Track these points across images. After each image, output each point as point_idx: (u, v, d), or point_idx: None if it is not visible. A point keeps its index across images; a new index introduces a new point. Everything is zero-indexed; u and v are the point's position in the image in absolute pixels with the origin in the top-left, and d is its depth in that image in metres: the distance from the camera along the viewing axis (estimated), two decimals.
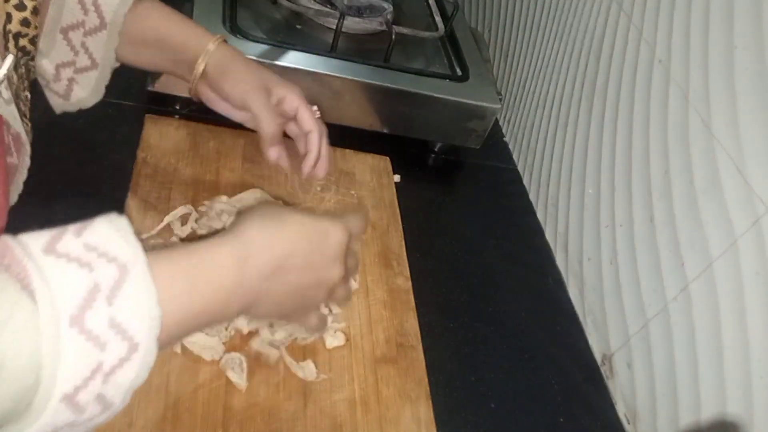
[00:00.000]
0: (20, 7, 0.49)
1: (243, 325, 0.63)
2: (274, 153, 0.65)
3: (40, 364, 0.32)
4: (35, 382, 0.32)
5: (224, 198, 0.73)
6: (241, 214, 0.47)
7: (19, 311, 0.32)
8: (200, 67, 0.62)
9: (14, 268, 0.33)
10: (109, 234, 0.36)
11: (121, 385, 0.35)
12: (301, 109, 0.65)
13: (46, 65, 0.60)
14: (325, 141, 0.67)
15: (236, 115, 0.65)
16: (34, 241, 0.35)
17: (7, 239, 0.34)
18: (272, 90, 0.64)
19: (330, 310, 0.67)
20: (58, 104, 0.63)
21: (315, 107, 0.68)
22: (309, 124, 0.65)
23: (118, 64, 0.63)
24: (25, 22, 0.49)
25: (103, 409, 0.35)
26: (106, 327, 0.34)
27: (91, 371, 0.34)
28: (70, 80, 0.61)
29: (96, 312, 0.34)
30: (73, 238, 0.35)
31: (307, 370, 0.62)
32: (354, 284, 0.70)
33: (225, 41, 0.63)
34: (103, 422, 0.36)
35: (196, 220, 0.70)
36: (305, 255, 0.47)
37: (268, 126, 0.63)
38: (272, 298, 0.46)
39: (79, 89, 0.62)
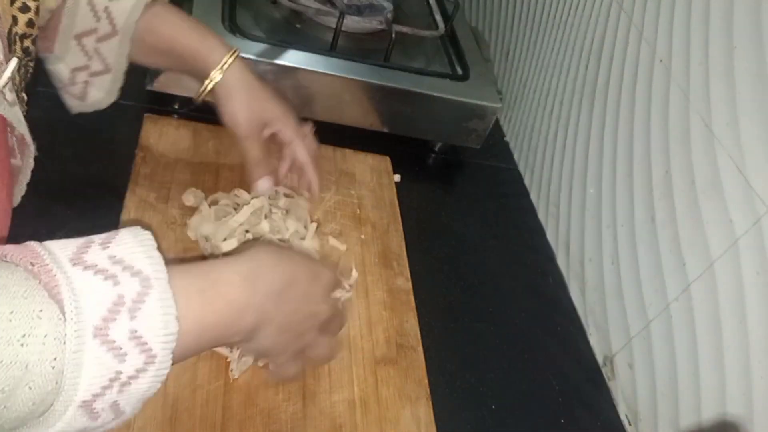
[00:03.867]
0: (24, 9, 0.49)
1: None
2: (265, 184, 0.69)
3: (63, 372, 0.33)
4: (55, 388, 0.33)
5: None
6: (246, 244, 0.50)
7: (45, 319, 0.33)
8: (209, 86, 0.64)
9: (43, 277, 0.34)
10: (133, 247, 0.37)
11: (135, 395, 0.37)
12: (294, 144, 0.69)
13: (61, 69, 0.62)
14: (315, 169, 0.71)
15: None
16: (62, 250, 0.36)
17: (35, 245, 0.36)
18: (269, 124, 0.68)
19: None
20: (74, 105, 0.66)
21: (310, 125, 0.72)
22: (302, 156, 0.70)
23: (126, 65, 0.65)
24: (30, 24, 0.50)
25: (115, 416, 0.37)
26: (127, 339, 0.35)
27: (110, 380, 0.35)
28: (86, 83, 0.64)
29: (119, 324, 0.35)
30: (100, 249, 0.37)
31: None
32: (350, 291, 0.70)
33: (239, 56, 0.65)
34: (112, 429, 0.38)
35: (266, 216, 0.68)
36: (304, 285, 0.49)
37: (254, 159, 0.68)
38: (276, 323, 0.47)
39: (94, 91, 0.65)
